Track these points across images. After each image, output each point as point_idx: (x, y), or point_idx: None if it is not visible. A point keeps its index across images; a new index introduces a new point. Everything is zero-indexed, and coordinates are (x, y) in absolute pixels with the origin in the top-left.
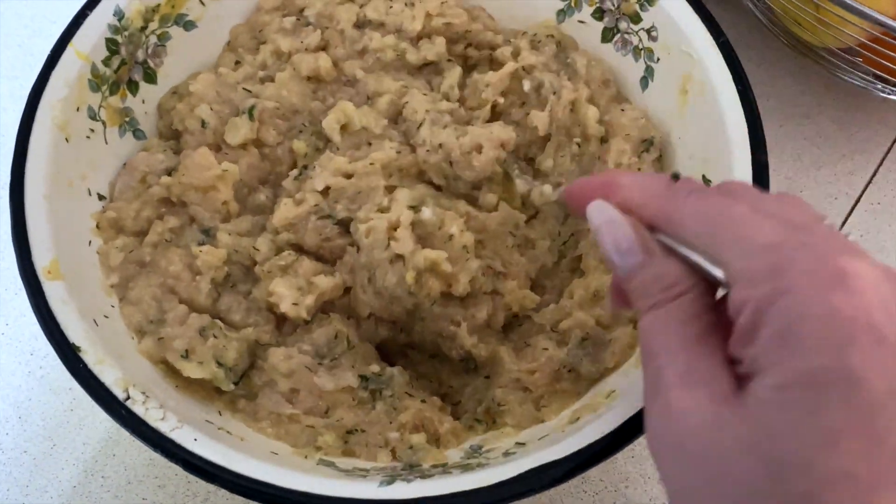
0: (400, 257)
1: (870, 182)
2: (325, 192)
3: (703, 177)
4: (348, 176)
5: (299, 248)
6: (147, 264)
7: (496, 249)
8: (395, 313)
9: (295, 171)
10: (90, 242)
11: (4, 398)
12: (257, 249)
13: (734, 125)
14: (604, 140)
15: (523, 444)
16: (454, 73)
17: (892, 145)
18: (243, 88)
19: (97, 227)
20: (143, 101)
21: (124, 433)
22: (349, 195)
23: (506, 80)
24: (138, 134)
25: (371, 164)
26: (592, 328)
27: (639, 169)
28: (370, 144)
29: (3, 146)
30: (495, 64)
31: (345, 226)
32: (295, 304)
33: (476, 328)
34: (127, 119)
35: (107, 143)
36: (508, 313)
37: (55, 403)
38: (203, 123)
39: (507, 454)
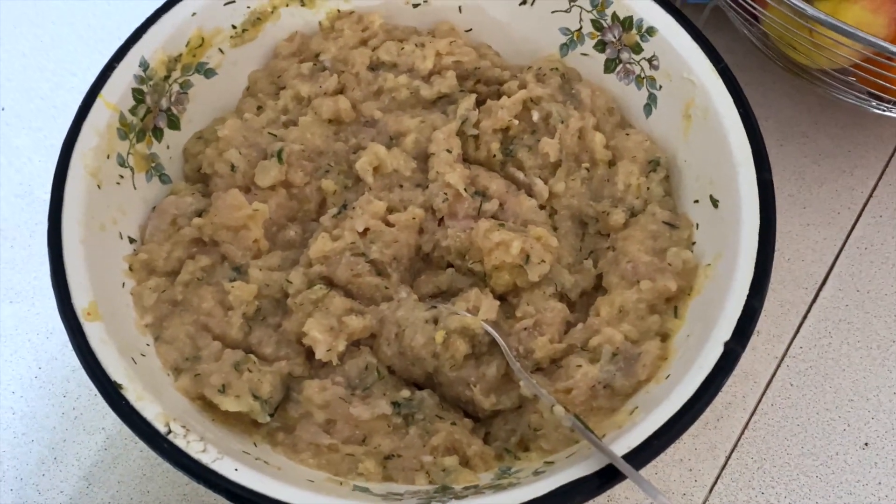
0: (436, 320)
1: (870, 196)
2: (364, 232)
3: (711, 197)
4: (387, 222)
5: (330, 282)
6: (180, 303)
7: (530, 300)
8: (414, 374)
9: (334, 210)
10: (123, 284)
11: (40, 440)
12: (290, 282)
13: (738, 146)
14: (611, 163)
15: (552, 462)
16: (469, 99)
17: (889, 159)
18: (268, 133)
19: (130, 269)
20: (168, 147)
21: (158, 470)
22: (385, 240)
23: (519, 105)
24: (164, 178)
25: (413, 218)
26: (622, 343)
27: (647, 188)
28: (401, 187)
29: (30, 194)
30: (503, 99)
31: (376, 265)
32: (328, 350)
33: (491, 387)
34: (153, 164)
35: (135, 188)
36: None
37: (89, 443)
38: (232, 167)
39: (536, 473)
